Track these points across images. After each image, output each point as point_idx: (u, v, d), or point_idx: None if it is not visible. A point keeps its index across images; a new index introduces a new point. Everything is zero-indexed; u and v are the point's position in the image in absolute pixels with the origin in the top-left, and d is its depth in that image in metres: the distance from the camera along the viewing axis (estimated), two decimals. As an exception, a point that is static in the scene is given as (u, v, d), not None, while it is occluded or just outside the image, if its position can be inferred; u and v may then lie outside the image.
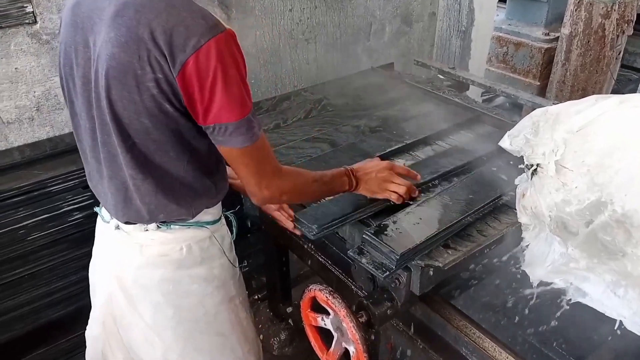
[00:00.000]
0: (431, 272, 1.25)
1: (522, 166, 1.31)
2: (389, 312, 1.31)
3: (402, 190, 1.38)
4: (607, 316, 1.18)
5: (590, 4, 3.01)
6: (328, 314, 1.34)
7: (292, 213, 1.44)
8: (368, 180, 1.35)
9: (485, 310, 1.45)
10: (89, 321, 1.43)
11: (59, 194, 1.83)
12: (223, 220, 1.33)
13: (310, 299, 1.35)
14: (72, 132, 1.97)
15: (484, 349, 1.25)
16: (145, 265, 1.22)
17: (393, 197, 1.39)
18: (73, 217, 1.87)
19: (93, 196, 1.91)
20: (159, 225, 1.19)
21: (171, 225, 1.19)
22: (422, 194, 1.47)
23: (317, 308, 1.36)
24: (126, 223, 1.20)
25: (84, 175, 1.86)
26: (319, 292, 1.28)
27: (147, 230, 1.19)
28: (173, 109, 1.02)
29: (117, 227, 1.23)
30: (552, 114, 1.21)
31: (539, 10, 3.68)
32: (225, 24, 0.99)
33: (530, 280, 1.32)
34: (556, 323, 1.34)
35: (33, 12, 1.77)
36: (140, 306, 1.25)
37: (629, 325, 1.14)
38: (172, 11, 0.95)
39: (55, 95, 1.91)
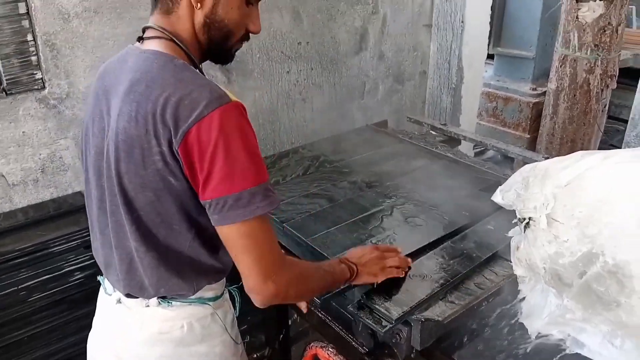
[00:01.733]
0: (432, 326, 1.26)
1: (515, 221, 1.35)
2: None
3: (398, 262, 1.35)
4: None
5: (575, 60, 3.14)
6: None
7: None
8: (366, 264, 1.30)
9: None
10: None
11: (61, 254, 1.84)
12: (226, 295, 1.29)
13: (311, 357, 1.35)
14: (75, 193, 2.03)
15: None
16: (145, 342, 1.18)
17: (394, 274, 1.34)
18: (74, 277, 1.88)
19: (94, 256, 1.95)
20: (160, 302, 1.16)
21: (172, 302, 1.16)
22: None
23: None
24: (127, 296, 1.18)
25: (87, 235, 1.90)
26: (320, 349, 1.29)
27: (148, 306, 1.16)
28: (178, 184, 1.01)
29: (119, 301, 1.21)
30: (541, 169, 1.27)
31: (526, 66, 3.83)
32: (231, 95, 1.00)
33: (529, 333, 1.33)
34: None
35: (42, 78, 1.85)
36: None
37: (626, 376, 1.14)
38: (179, 85, 0.97)
39: (60, 157, 1.97)
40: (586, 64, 3.12)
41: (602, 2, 3.02)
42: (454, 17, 2.98)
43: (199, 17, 1.06)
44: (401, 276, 1.36)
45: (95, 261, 1.92)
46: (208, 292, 1.19)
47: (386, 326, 1.24)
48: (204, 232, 1.09)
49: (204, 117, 0.94)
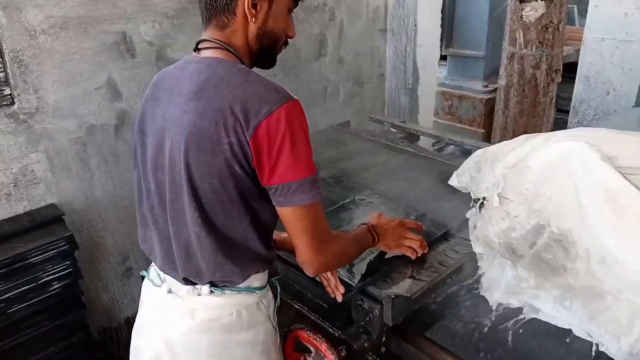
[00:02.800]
0: (401, 303, 1.36)
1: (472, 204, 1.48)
2: (366, 344, 1.40)
3: (416, 245, 1.47)
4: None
5: (522, 57, 3.33)
6: (310, 352, 1.42)
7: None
8: (386, 236, 1.44)
9: (453, 336, 1.56)
10: None
11: (38, 265, 1.88)
12: (269, 286, 1.36)
13: (293, 340, 1.43)
14: (48, 205, 2.06)
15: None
16: (196, 329, 1.24)
17: (409, 252, 1.47)
18: (53, 287, 1.91)
19: (71, 265, 1.98)
20: (212, 290, 1.23)
21: (224, 290, 1.24)
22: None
23: (300, 349, 1.45)
24: (184, 280, 1.24)
25: (64, 245, 1.94)
26: (301, 331, 1.37)
27: (199, 295, 1.24)
28: (242, 171, 1.11)
29: (169, 291, 1.27)
30: (491, 153, 1.40)
31: (477, 65, 4.01)
32: (292, 94, 1.11)
33: (490, 304, 1.46)
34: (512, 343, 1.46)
35: (11, 94, 1.89)
36: None
37: (577, 332, 1.28)
38: (247, 85, 1.09)
39: (31, 171, 2.01)
40: (532, 60, 3.31)
41: (543, 2, 3.22)
42: (406, 21, 3.13)
43: (253, 29, 1.18)
44: (413, 257, 1.47)
45: (72, 270, 1.98)
46: (255, 281, 1.27)
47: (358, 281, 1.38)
48: (257, 219, 1.19)
49: (273, 112, 1.05)
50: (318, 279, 1.45)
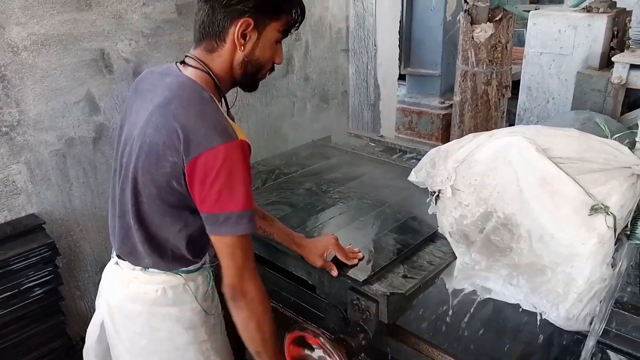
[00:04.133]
0: (397, 300, 1.41)
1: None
2: (363, 342, 1.46)
3: (343, 257, 1.53)
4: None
5: (474, 74, 3.59)
6: (312, 349, 1.44)
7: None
8: (310, 254, 1.53)
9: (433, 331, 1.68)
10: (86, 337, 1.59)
11: (21, 271, 1.93)
12: (202, 271, 1.47)
13: (291, 341, 1.46)
14: (29, 215, 2.14)
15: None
16: (129, 299, 1.41)
17: (327, 267, 1.52)
18: (35, 293, 1.97)
19: (52, 272, 2.05)
20: (143, 268, 1.39)
21: (149, 269, 1.39)
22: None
23: (300, 344, 1.46)
24: (119, 257, 1.42)
25: (45, 252, 2.01)
26: (302, 333, 1.41)
27: (134, 269, 1.40)
28: (180, 188, 1.24)
29: (116, 263, 1.44)
30: (443, 151, 1.58)
31: (434, 83, 4.30)
32: (240, 133, 1.22)
33: (447, 287, 1.61)
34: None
35: (-7, 108, 1.97)
36: (121, 332, 1.44)
37: (524, 306, 1.44)
38: (200, 117, 1.20)
39: (12, 182, 2.08)
40: (484, 77, 3.58)
41: (492, 24, 3.50)
42: (367, 41, 3.34)
43: (239, 56, 1.29)
44: (334, 274, 1.51)
45: (53, 277, 2.05)
46: (181, 267, 1.41)
47: (364, 277, 1.45)
48: (188, 230, 1.33)
49: (213, 148, 1.17)
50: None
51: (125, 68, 2.32)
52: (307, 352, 1.46)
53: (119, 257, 1.42)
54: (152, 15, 2.33)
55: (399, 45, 3.77)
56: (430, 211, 1.67)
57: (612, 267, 1.31)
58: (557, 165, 1.35)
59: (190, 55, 1.32)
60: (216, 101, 1.27)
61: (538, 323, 1.40)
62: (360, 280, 1.46)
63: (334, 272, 1.51)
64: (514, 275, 1.48)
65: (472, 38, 3.54)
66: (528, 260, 1.41)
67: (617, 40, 2.02)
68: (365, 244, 1.65)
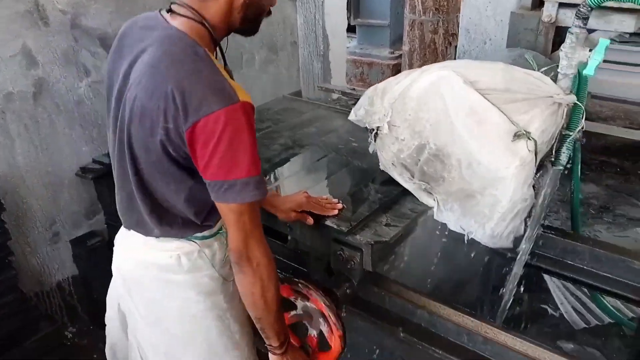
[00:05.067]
0: (380, 248, 1.45)
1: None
2: (348, 291, 1.52)
3: (317, 209, 1.54)
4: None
5: (421, 23, 3.63)
6: (295, 307, 1.49)
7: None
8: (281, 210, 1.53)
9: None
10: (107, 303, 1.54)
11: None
12: (219, 237, 1.38)
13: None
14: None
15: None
16: (141, 265, 1.35)
17: (302, 219, 1.54)
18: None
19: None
20: (154, 237, 1.31)
21: (161, 238, 1.31)
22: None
23: (285, 307, 1.47)
24: (127, 228, 1.35)
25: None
26: (290, 285, 1.45)
27: (146, 238, 1.32)
28: (177, 155, 1.14)
29: (128, 230, 1.37)
30: (380, 88, 1.63)
31: (383, 34, 4.33)
32: (242, 94, 1.10)
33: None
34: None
35: None
36: (137, 300, 1.39)
37: (452, 227, 1.54)
38: (195, 76, 1.09)
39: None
40: (430, 25, 3.63)
41: (438, -28, 3.53)
42: (314, -10, 3.32)
43: (239, 0, 1.17)
44: (308, 222, 1.53)
45: (1, 231, 2.03)
46: (195, 232, 1.34)
47: (348, 227, 1.48)
48: (195, 194, 1.23)
49: (212, 112, 1.06)
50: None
51: (62, 20, 2.25)
52: (290, 313, 1.48)
53: (127, 228, 1.36)
54: (87, -37, 2.27)
55: (347, -4, 3.76)
56: (370, 149, 1.72)
57: (534, 188, 1.41)
58: (483, 96, 1.42)
59: (177, 1, 1.17)
60: (211, 56, 1.15)
61: (465, 242, 1.51)
62: (345, 231, 1.48)
63: (309, 221, 1.52)
64: (448, 201, 1.57)
65: (419, -14, 3.57)
66: (459, 187, 1.50)
67: (549, -20, 2.09)
68: (346, 195, 1.67)
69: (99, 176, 2.43)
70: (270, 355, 1.36)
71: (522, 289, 2.70)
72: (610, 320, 2.55)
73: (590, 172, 4.14)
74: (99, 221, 2.60)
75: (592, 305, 2.59)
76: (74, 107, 2.37)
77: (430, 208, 1.63)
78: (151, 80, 1.11)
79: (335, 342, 1.44)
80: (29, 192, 2.31)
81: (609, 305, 2.50)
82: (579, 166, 1.99)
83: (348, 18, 4.11)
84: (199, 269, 1.34)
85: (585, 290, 2.57)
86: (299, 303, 1.50)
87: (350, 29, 4.30)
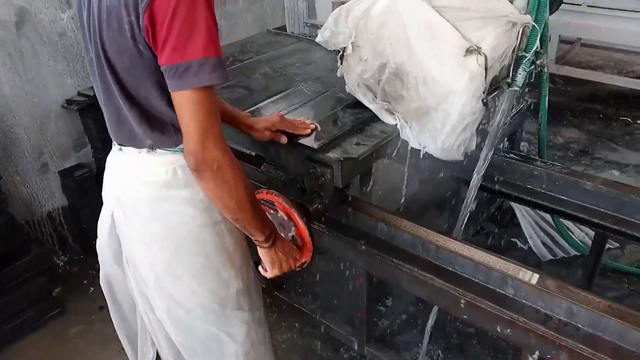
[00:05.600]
0: (350, 165, 1.53)
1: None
2: (319, 207, 1.59)
3: (292, 128, 1.59)
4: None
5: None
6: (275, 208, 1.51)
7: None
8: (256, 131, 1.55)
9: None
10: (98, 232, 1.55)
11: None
12: None
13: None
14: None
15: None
16: (138, 184, 1.32)
17: (277, 138, 1.59)
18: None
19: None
20: (148, 150, 1.29)
21: (157, 150, 1.28)
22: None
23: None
24: (120, 145, 1.33)
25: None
26: (267, 193, 1.50)
27: (140, 152, 1.29)
28: (146, 52, 1.11)
29: (120, 149, 1.35)
30: (345, 9, 1.68)
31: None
32: None
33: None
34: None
35: None
36: (133, 219, 1.37)
37: (412, 144, 1.63)
38: None
39: None
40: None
41: None
42: None
43: None
44: (282, 141, 1.59)
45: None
46: None
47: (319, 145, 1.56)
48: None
49: None
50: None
51: (41, -52, 2.28)
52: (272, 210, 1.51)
53: (120, 145, 1.34)
54: None
55: None
56: (338, 73, 1.80)
57: (485, 104, 1.49)
58: (440, 14, 1.48)
59: None
60: None
61: (421, 156, 1.59)
62: (316, 148, 1.55)
63: (283, 140, 1.57)
64: (407, 119, 1.65)
65: None
66: (416, 105, 1.58)
67: None
68: (321, 118, 1.74)
69: (84, 108, 2.51)
70: (259, 249, 1.39)
71: (496, 227, 2.83)
72: (576, 253, 2.67)
73: (574, 118, 4.22)
74: (86, 153, 2.70)
75: (560, 239, 2.71)
76: (57, 39, 2.43)
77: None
78: None
79: (305, 248, 1.49)
80: (16, 122, 2.40)
81: (573, 236, 2.62)
82: (547, 97, 2.07)
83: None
84: (195, 184, 1.27)
85: (546, 216, 2.69)
86: (272, 213, 1.54)
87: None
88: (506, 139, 2.25)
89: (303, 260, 1.52)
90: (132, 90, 1.20)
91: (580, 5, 4.33)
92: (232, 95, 1.95)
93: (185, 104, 1.10)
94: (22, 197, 2.51)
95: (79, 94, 2.55)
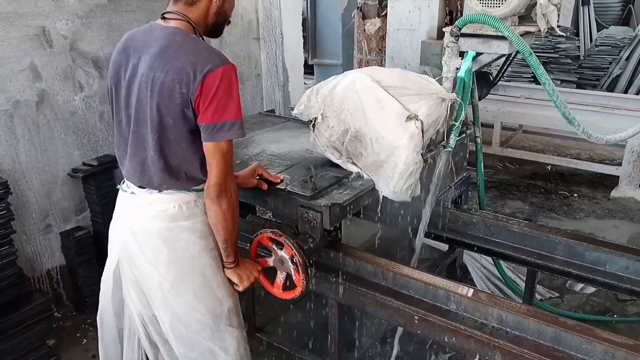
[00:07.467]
0: (337, 210, 1.85)
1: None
2: (312, 245, 1.87)
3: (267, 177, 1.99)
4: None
5: (367, 62, 4.25)
6: (271, 255, 1.85)
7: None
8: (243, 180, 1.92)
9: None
10: (105, 268, 1.87)
11: (-21, 205, 2.31)
12: None
13: (257, 243, 1.87)
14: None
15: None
16: (150, 217, 1.68)
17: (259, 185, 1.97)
18: (-9, 224, 2.35)
19: (6, 207, 2.44)
20: (160, 190, 1.67)
21: (167, 191, 1.67)
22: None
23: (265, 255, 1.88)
24: (139, 187, 1.68)
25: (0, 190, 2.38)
26: (269, 234, 1.82)
27: (151, 193, 1.67)
28: (191, 114, 1.53)
29: (132, 193, 1.71)
30: (315, 89, 2.15)
31: (337, 71, 4.92)
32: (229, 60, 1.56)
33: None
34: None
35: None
36: (144, 247, 1.69)
37: (377, 187, 2.03)
38: (197, 51, 1.52)
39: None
40: (374, 63, 4.26)
41: (379, 18, 4.18)
42: (275, 31, 3.92)
43: (214, 8, 1.63)
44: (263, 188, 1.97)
45: (6, 212, 2.42)
46: (193, 185, 1.70)
47: (311, 193, 1.87)
48: (200, 152, 1.60)
49: (214, 69, 1.49)
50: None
51: (63, 43, 2.75)
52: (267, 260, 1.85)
53: (139, 187, 1.68)
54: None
55: (305, 37, 4.38)
56: (311, 139, 2.23)
57: (422, 156, 1.92)
58: (386, 91, 1.96)
59: (169, 11, 1.61)
60: (203, 39, 1.61)
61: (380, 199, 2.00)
62: (308, 196, 1.88)
63: (264, 187, 1.96)
64: (366, 171, 2.07)
65: (364, 30, 4.21)
66: (372, 159, 2.00)
67: (451, 17, 2.70)
68: (311, 173, 2.06)
69: (87, 176, 2.87)
70: (226, 271, 1.75)
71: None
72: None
73: (519, 192, 4.76)
74: (85, 217, 3.01)
75: (503, 286, 3.09)
76: (69, 116, 2.84)
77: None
78: (164, 62, 1.52)
79: (299, 280, 1.79)
80: (28, 187, 2.73)
81: (511, 279, 3.01)
82: (481, 155, 2.57)
83: (306, 58, 4.72)
84: (195, 216, 1.70)
85: (493, 269, 3.08)
86: (274, 250, 1.86)
87: (309, 69, 4.90)
88: (451, 200, 2.68)
89: (295, 294, 1.83)
90: (166, 145, 1.59)
91: (519, 97, 5.08)
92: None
93: (217, 152, 1.54)
94: (27, 254, 2.78)
95: (84, 163, 2.91)
